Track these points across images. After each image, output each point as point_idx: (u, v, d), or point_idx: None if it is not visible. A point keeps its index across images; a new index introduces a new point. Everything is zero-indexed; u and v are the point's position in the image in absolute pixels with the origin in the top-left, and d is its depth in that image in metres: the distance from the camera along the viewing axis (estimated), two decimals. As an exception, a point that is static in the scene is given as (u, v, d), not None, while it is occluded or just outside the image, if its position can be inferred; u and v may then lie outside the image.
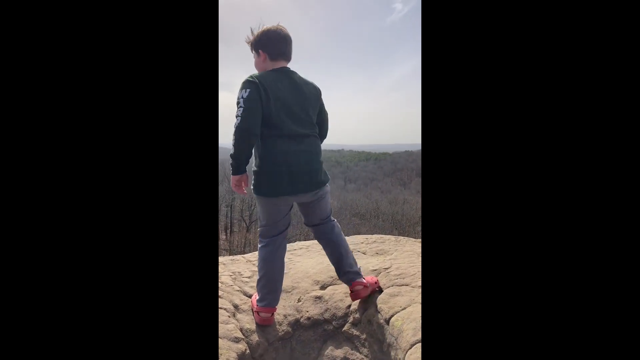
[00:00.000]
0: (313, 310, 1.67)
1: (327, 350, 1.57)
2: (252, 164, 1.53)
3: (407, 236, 2.80)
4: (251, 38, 1.53)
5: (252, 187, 1.52)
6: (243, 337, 1.44)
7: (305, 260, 2.11)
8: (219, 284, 1.73)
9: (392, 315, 1.46)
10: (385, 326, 1.45)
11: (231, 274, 1.88)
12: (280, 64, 1.52)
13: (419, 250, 2.12)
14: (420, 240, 2.37)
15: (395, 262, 1.91)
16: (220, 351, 1.29)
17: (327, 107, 1.67)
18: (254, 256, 2.18)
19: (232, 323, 1.47)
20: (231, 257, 2.21)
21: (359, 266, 1.67)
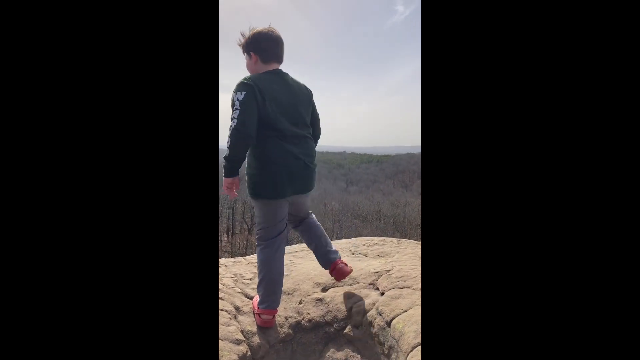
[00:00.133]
0: (314, 313, 1.67)
1: (329, 353, 1.57)
2: (246, 167, 1.53)
3: (409, 238, 2.80)
4: (242, 40, 1.54)
5: (249, 190, 1.52)
6: (244, 339, 1.44)
7: (306, 263, 2.11)
8: (221, 286, 1.74)
9: (393, 318, 1.46)
10: (387, 328, 1.45)
11: (232, 275, 1.88)
12: (272, 66, 1.53)
13: (421, 252, 2.11)
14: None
15: (396, 265, 1.91)
16: (221, 353, 1.29)
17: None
18: (255, 258, 2.18)
19: (234, 325, 1.47)
20: (233, 259, 2.21)
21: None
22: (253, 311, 1.60)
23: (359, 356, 1.53)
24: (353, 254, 2.27)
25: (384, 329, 1.46)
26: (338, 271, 1.71)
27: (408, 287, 1.65)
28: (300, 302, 1.73)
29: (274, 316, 1.56)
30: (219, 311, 1.52)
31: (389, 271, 1.83)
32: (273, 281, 1.53)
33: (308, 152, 1.54)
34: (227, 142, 1.39)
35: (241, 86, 1.39)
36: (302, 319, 1.65)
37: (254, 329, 1.52)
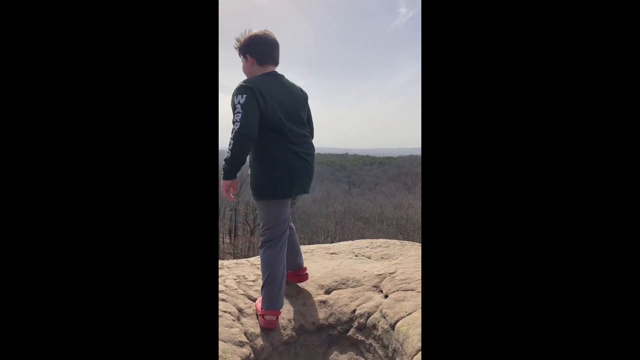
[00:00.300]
0: (318, 315, 1.66)
1: (332, 355, 1.56)
2: (249, 169, 1.55)
3: (412, 241, 2.79)
4: (239, 43, 1.57)
5: (254, 192, 1.53)
6: (247, 341, 1.43)
7: (310, 265, 2.10)
8: (224, 288, 1.73)
9: (397, 321, 1.45)
10: (391, 331, 1.44)
11: (235, 277, 1.88)
12: (268, 68, 1.55)
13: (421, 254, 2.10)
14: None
15: (400, 267, 1.90)
16: (224, 355, 1.29)
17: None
18: (258, 260, 2.17)
19: (237, 327, 1.47)
20: (235, 260, 2.21)
21: None
22: (256, 313, 1.60)
23: (362, 359, 1.52)
24: (356, 255, 2.26)
25: (388, 331, 1.45)
26: (303, 277, 1.82)
27: (412, 290, 1.64)
28: (303, 305, 1.72)
29: (277, 317, 1.56)
30: (223, 313, 1.52)
31: (392, 273, 1.82)
32: (277, 280, 1.53)
33: (310, 151, 1.58)
34: (229, 144, 1.40)
35: (242, 89, 1.41)
36: (306, 321, 1.64)
37: (257, 331, 1.51)
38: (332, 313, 1.66)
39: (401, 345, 1.35)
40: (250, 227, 28.18)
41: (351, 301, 1.69)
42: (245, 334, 1.47)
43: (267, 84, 1.46)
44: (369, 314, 1.59)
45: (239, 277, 1.88)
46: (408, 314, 1.46)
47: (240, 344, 1.38)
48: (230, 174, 1.47)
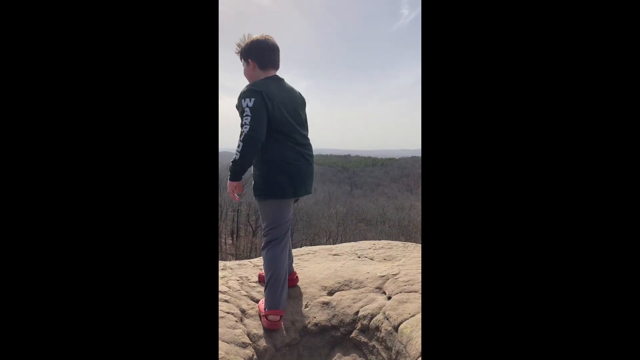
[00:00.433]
0: (320, 316, 1.66)
1: (335, 357, 1.55)
2: (253, 170, 1.57)
3: (414, 242, 2.78)
4: (239, 48, 1.60)
5: (258, 192, 1.55)
6: (250, 342, 1.43)
7: (312, 266, 2.10)
8: (227, 289, 1.73)
9: (400, 322, 1.45)
10: (394, 333, 1.44)
11: (238, 278, 1.88)
12: (270, 72, 1.58)
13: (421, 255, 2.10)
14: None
15: (403, 269, 1.89)
16: (227, 356, 1.28)
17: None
18: (260, 261, 2.17)
19: (240, 328, 1.46)
20: (238, 261, 2.21)
21: None
22: (259, 314, 1.60)
23: (365, 361, 1.52)
24: (359, 257, 2.26)
25: (391, 333, 1.45)
26: (293, 281, 1.85)
27: (415, 292, 1.63)
28: (306, 306, 1.72)
29: (280, 318, 1.56)
30: (226, 314, 1.52)
31: (395, 275, 1.81)
32: (281, 280, 1.55)
33: (311, 152, 1.64)
34: (238, 146, 1.42)
35: (250, 92, 1.43)
36: (309, 323, 1.64)
37: (260, 332, 1.51)
38: (335, 314, 1.66)
39: (404, 347, 1.34)
40: (252, 228, 28.20)
41: (354, 303, 1.68)
42: (248, 335, 1.46)
43: (272, 87, 1.49)
44: (372, 316, 1.58)
45: (241, 278, 1.88)
46: (411, 316, 1.45)
47: (243, 345, 1.38)
48: (238, 175, 1.50)
